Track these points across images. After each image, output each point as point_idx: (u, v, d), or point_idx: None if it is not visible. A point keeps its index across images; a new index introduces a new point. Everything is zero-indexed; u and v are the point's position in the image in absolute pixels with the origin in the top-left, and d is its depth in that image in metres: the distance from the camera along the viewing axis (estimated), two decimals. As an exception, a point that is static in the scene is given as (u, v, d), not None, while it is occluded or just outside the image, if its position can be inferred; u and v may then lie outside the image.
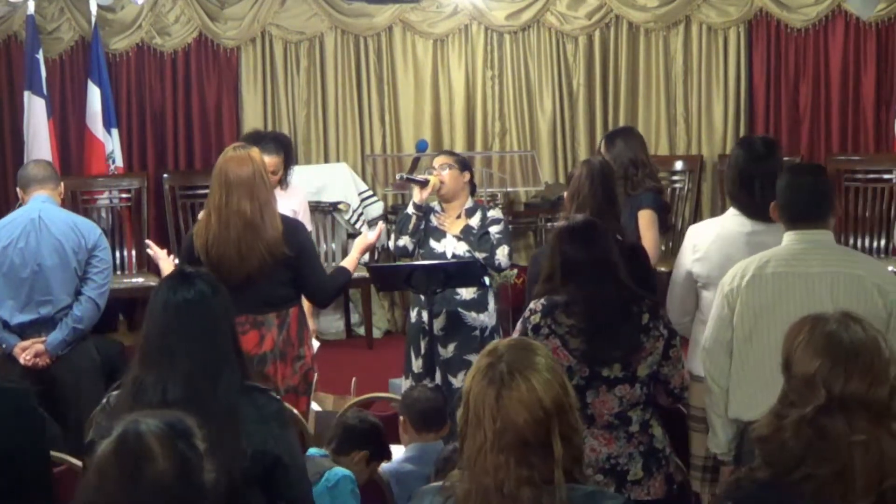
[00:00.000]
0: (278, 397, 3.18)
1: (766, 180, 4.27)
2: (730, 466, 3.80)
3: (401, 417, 4.27)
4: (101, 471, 2.22)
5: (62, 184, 5.43)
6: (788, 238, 3.80)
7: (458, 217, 5.55)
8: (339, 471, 3.69)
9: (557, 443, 2.31)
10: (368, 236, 5.06)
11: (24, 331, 5.12)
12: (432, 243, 5.52)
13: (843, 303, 3.49)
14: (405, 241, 5.54)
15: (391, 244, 5.72)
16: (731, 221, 4.37)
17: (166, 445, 2.22)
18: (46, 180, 5.27)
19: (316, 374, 5.25)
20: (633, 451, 3.69)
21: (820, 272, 3.68)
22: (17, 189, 5.39)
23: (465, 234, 5.49)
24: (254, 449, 2.94)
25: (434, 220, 5.56)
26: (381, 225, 5.46)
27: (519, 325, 3.77)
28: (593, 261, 3.71)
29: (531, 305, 3.75)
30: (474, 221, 5.53)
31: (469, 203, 5.59)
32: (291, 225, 4.70)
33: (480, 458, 2.31)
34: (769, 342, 3.65)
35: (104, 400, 3.11)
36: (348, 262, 4.95)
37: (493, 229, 5.48)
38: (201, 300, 3.00)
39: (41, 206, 5.19)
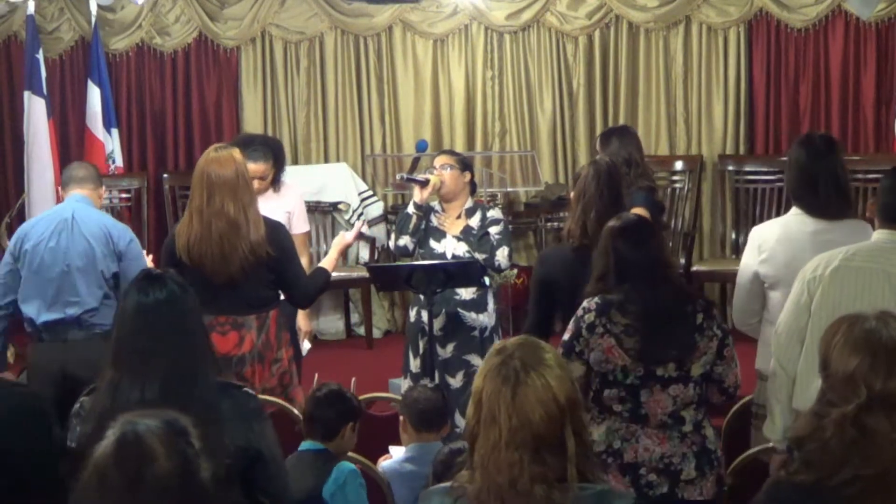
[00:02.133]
0: (254, 393, 3.20)
1: (829, 178, 4.29)
2: (781, 455, 3.77)
3: (401, 417, 4.27)
4: (101, 474, 2.20)
5: (103, 188, 5.40)
6: (877, 235, 3.79)
7: (458, 217, 5.55)
8: (344, 467, 3.69)
9: (571, 439, 2.33)
10: (346, 236, 5.04)
11: (49, 329, 5.08)
12: (432, 243, 5.52)
13: None
14: (405, 240, 5.54)
15: (391, 243, 5.72)
16: (795, 221, 4.36)
17: (168, 445, 2.21)
18: (85, 180, 5.24)
19: (316, 375, 5.25)
20: (687, 451, 3.68)
21: None
22: (59, 188, 5.39)
23: (466, 234, 5.49)
24: (235, 445, 2.96)
25: (434, 220, 5.55)
26: (358, 224, 5.46)
27: (572, 325, 3.74)
28: (648, 260, 3.71)
29: (585, 304, 3.73)
30: (474, 222, 5.52)
31: (469, 203, 5.58)
32: (273, 226, 4.70)
33: (494, 456, 2.32)
34: None
35: (76, 405, 3.12)
36: (327, 263, 4.93)
37: (493, 230, 5.48)
38: (174, 300, 3.03)
39: (75, 205, 5.16)
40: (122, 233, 5.18)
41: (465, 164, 5.63)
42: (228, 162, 4.58)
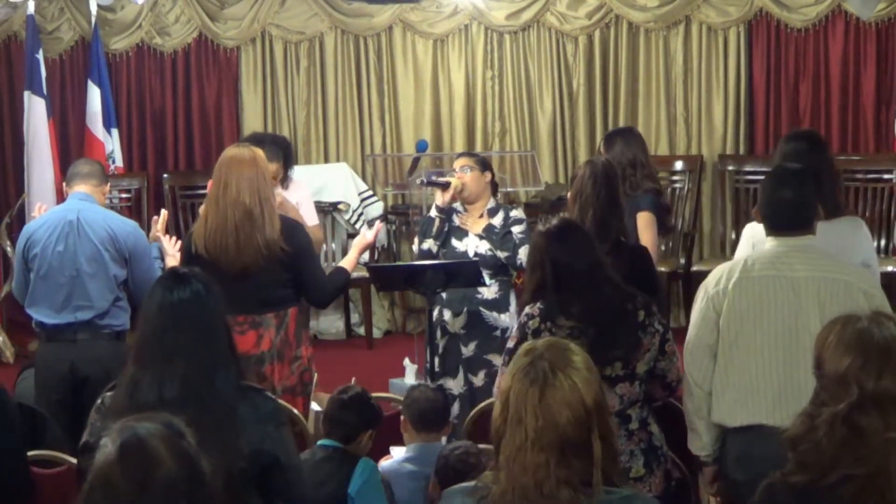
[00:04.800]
0: (274, 397, 3.18)
1: (827, 174, 4.28)
2: (712, 467, 3.78)
3: (402, 417, 4.27)
4: (106, 482, 2.18)
5: (108, 185, 5.35)
6: (771, 243, 3.77)
7: (481, 217, 5.52)
8: (368, 462, 3.71)
9: (597, 443, 2.31)
10: (367, 236, 5.04)
11: (60, 332, 5.04)
12: (454, 242, 5.49)
13: (830, 308, 3.46)
14: (429, 244, 5.50)
15: (415, 247, 5.70)
16: None
17: (171, 447, 2.20)
18: (90, 176, 5.19)
19: (315, 374, 5.25)
20: (635, 449, 3.69)
21: (806, 276, 3.64)
22: (64, 185, 5.36)
23: (488, 232, 5.45)
24: (251, 448, 2.94)
25: (456, 220, 5.53)
26: (378, 224, 5.45)
27: (516, 332, 3.75)
28: (585, 264, 3.70)
29: (527, 310, 3.73)
30: (497, 221, 5.47)
31: (491, 203, 5.55)
32: (290, 224, 4.69)
33: (520, 457, 2.30)
34: (755, 345, 3.62)
35: (98, 401, 3.11)
36: (347, 262, 4.93)
37: (516, 229, 5.45)
38: (196, 300, 3.01)
39: (80, 205, 5.11)
40: (128, 235, 5.12)
41: (484, 164, 5.59)
42: (249, 157, 4.59)
